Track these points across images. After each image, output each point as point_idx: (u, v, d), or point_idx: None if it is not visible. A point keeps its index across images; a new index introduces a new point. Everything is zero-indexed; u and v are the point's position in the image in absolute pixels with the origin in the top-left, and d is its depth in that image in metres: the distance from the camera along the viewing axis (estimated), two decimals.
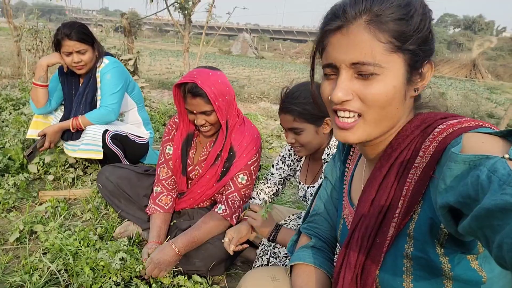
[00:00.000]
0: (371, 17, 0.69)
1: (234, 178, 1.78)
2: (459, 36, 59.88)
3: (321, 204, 1.08)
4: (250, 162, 1.79)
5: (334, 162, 1.06)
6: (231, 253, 1.60)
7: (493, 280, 0.69)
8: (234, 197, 1.77)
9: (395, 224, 0.73)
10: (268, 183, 1.91)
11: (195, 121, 1.73)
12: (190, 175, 1.91)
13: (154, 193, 1.92)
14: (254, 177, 1.82)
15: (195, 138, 1.92)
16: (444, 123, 0.71)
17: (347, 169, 1.00)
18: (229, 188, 1.78)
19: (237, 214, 1.76)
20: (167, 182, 1.93)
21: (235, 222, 1.74)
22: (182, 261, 1.69)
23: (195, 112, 1.68)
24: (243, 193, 1.79)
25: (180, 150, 1.88)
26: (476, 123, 0.69)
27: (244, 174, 1.78)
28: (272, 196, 1.92)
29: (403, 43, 0.70)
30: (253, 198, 1.87)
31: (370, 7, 0.69)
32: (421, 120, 0.75)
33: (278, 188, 1.92)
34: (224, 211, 1.73)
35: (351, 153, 1.01)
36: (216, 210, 1.74)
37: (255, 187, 1.94)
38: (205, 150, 1.88)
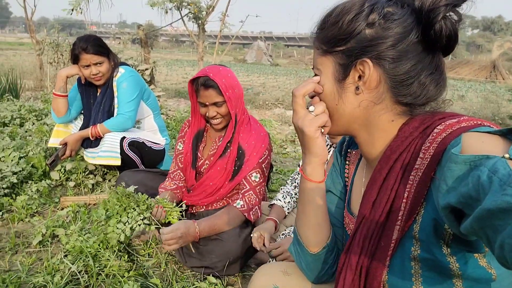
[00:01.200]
0: (315, 31, 0.84)
1: (248, 177, 1.84)
2: (478, 38, 58.65)
3: None
4: (261, 160, 1.86)
5: (332, 175, 1.06)
6: (264, 251, 1.66)
7: (502, 277, 0.69)
8: (250, 195, 1.83)
9: (399, 227, 0.73)
10: (295, 182, 1.94)
11: (206, 114, 1.82)
12: (201, 169, 1.99)
13: (162, 184, 2.07)
14: (266, 174, 1.90)
15: (205, 133, 2.02)
16: (443, 123, 0.71)
17: (346, 179, 1.01)
18: (244, 187, 1.84)
19: (253, 210, 1.82)
20: (173, 175, 2.08)
21: (252, 219, 1.80)
22: (199, 258, 1.74)
23: (207, 103, 1.78)
24: (258, 191, 1.85)
25: (190, 144, 1.98)
26: (475, 122, 0.68)
27: (257, 172, 1.85)
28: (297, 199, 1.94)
29: (330, 46, 0.80)
30: (279, 200, 1.90)
31: (317, 23, 0.83)
32: (419, 121, 0.75)
33: None
34: (242, 206, 1.80)
35: (347, 162, 1.01)
36: (234, 204, 1.81)
37: (280, 189, 1.98)
38: (215, 144, 1.96)
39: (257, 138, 1.87)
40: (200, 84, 1.75)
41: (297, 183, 1.94)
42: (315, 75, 0.86)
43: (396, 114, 0.78)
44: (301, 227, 0.95)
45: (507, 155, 0.53)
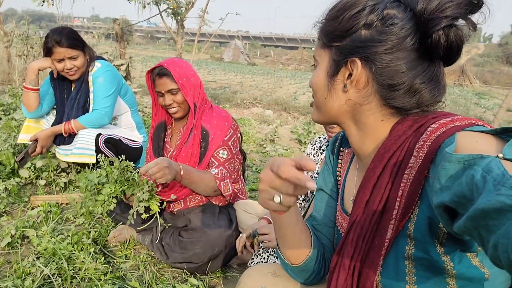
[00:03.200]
0: (320, 21, 0.83)
1: (215, 155, 1.89)
2: None
3: (316, 216, 1.05)
4: (226, 138, 1.90)
5: (324, 173, 1.05)
6: (240, 252, 1.66)
7: (495, 276, 0.69)
8: (221, 169, 1.88)
9: (393, 226, 0.73)
10: None
11: (163, 103, 1.86)
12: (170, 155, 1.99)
13: None
14: (234, 152, 1.94)
15: (169, 126, 2.07)
16: (437, 122, 0.71)
17: (338, 178, 1.00)
18: (213, 164, 1.89)
19: (224, 182, 1.85)
20: None
21: (222, 189, 1.84)
22: (181, 252, 1.72)
23: (162, 91, 1.84)
24: (227, 166, 1.90)
25: (151, 134, 2.03)
26: (469, 121, 0.68)
27: (224, 149, 1.90)
28: (301, 202, 1.91)
29: (328, 40, 0.80)
30: None
31: (323, 13, 0.83)
32: (413, 120, 0.75)
33: (306, 192, 1.91)
34: (216, 174, 1.85)
35: (340, 161, 1.01)
36: (210, 170, 1.86)
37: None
38: (180, 133, 2.00)
39: (219, 118, 1.93)
40: (155, 74, 1.84)
41: None
42: (313, 65, 0.87)
43: (385, 115, 0.78)
44: (281, 247, 0.95)
45: (501, 155, 0.53)
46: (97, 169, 2.28)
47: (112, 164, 1.70)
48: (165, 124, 2.05)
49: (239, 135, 2.00)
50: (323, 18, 0.82)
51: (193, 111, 1.88)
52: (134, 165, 1.72)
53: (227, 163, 1.90)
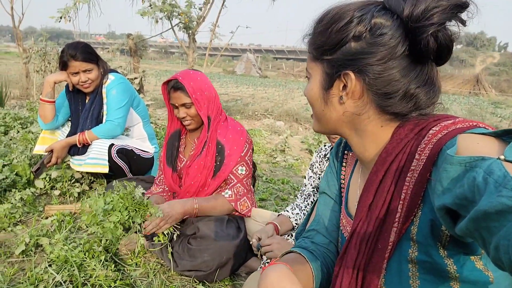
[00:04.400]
0: (308, 34, 0.83)
1: (234, 171, 1.91)
2: (461, 53, 60.28)
3: (319, 220, 1.05)
4: (243, 153, 1.92)
5: (327, 177, 1.06)
6: (261, 253, 1.64)
7: (499, 279, 0.68)
8: (238, 187, 1.90)
9: (396, 229, 0.72)
10: (304, 195, 1.92)
11: (178, 115, 1.90)
12: (183, 170, 2.00)
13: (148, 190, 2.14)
14: (250, 165, 1.97)
15: (183, 135, 2.09)
16: (438, 125, 0.71)
17: (342, 181, 1.00)
18: (232, 181, 1.91)
19: (241, 201, 1.89)
20: (158, 180, 2.15)
21: (239, 209, 1.88)
22: (190, 259, 1.72)
23: (177, 105, 1.87)
24: (245, 182, 1.93)
25: (166, 142, 2.06)
26: (470, 123, 0.68)
27: (242, 165, 1.92)
28: (304, 208, 1.90)
29: (319, 53, 0.80)
30: (286, 211, 1.86)
31: (310, 26, 0.83)
32: (414, 124, 0.75)
33: (314, 200, 1.91)
34: (230, 196, 1.88)
35: (344, 164, 1.01)
36: (223, 193, 1.88)
37: (292, 202, 1.96)
38: (194, 144, 2.02)
39: (234, 132, 1.94)
40: (170, 86, 1.87)
41: (306, 194, 1.92)
42: (306, 77, 0.87)
43: (384, 121, 0.78)
44: None
45: (502, 157, 0.53)
46: (110, 178, 2.33)
47: (125, 189, 1.67)
48: (180, 133, 2.07)
49: (252, 147, 2.01)
50: (311, 31, 0.82)
51: (207, 124, 1.89)
52: (143, 191, 1.71)
53: (245, 179, 1.92)
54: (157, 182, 2.14)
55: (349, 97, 0.77)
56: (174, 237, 1.78)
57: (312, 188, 1.92)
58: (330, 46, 0.77)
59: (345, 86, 0.77)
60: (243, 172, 1.91)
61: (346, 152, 1.01)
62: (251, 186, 2.03)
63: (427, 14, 0.67)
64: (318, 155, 1.91)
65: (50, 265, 1.72)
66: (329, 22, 0.76)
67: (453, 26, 0.70)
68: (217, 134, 1.92)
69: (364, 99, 0.77)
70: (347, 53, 0.75)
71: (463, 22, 0.69)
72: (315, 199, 1.91)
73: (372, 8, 0.74)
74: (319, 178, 1.90)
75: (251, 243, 1.71)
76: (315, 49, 0.81)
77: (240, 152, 1.90)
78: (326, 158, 1.86)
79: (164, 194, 2.08)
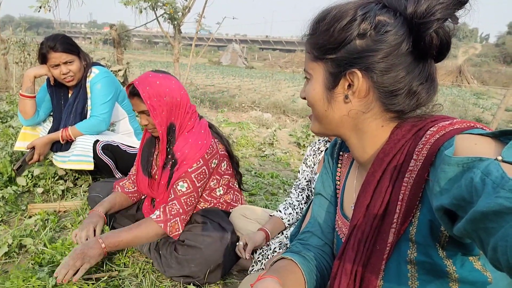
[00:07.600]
0: (307, 34, 0.82)
1: (174, 186, 1.73)
2: None
3: (314, 221, 1.04)
4: (190, 170, 1.71)
5: (322, 178, 1.05)
6: (246, 258, 1.61)
7: (498, 280, 0.69)
8: (173, 204, 1.72)
9: (394, 230, 0.72)
10: (299, 188, 1.90)
11: (141, 122, 1.78)
12: (155, 176, 1.93)
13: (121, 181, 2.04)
14: (198, 185, 1.74)
15: (158, 142, 1.92)
16: (436, 125, 0.71)
17: (338, 182, 1.00)
18: (170, 195, 1.74)
19: (171, 222, 1.70)
20: (133, 178, 2.04)
21: (168, 231, 1.69)
22: (178, 267, 1.67)
23: (137, 111, 1.75)
24: (183, 201, 1.72)
25: (141, 148, 1.96)
26: (468, 124, 0.69)
27: (184, 181, 1.71)
28: (302, 208, 1.88)
29: (321, 53, 0.79)
30: (279, 211, 1.83)
31: (309, 26, 0.81)
32: (411, 124, 0.76)
33: (308, 195, 1.90)
34: (158, 217, 1.69)
35: (339, 165, 1.00)
36: (151, 215, 1.72)
37: (285, 200, 1.92)
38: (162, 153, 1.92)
39: (191, 147, 1.72)
40: (128, 92, 1.71)
41: (300, 188, 1.90)
42: (306, 77, 0.85)
43: (385, 120, 0.78)
44: None
45: (500, 157, 0.54)
46: (95, 175, 2.26)
47: None
48: (155, 138, 1.92)
49: (215, 161, 1.79)
50: (310, 31, 0.81)
51: (165, 135, 1.72)
52: None
53: (184, 197, 1.71)
54: (132, 179, 2.01)
55: (355, 95, 0.77)
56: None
57: (306, 181, 1.90)
58: (334, 45, 0.76)
59: (350, 85, 0.77)
60: (183, 189, 1.71)
61: (341, 153, 1.01)
62: (190, 211, 1.78)
63: (431, 11, 0.68)
64: (312, 149, 1.90)
65: (34, 267, 1.67)
66: (331, 21, 0.75)
67: (447, 22, 0.72)
68: (175, 146, 1.75)
69: (369, 97, 0.76)
70: (352, 51, 0.74)
71: (457, 20, 0.71)
72: (308, 193, 1.90)
73: (373, 7, 0.74)
74: (312, 172, 1.89)
75: (237, 244, 1.68)
76: (316, 48, 0.79)
77: (187, 168, 1.70)
78: (320, 151, 1.85)
79: (136, 194, 2.01)
